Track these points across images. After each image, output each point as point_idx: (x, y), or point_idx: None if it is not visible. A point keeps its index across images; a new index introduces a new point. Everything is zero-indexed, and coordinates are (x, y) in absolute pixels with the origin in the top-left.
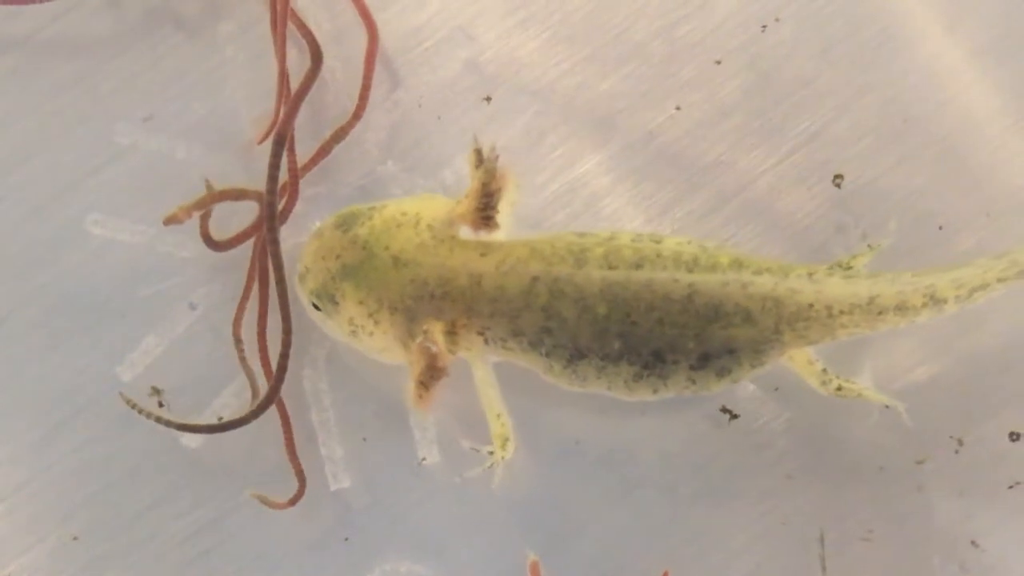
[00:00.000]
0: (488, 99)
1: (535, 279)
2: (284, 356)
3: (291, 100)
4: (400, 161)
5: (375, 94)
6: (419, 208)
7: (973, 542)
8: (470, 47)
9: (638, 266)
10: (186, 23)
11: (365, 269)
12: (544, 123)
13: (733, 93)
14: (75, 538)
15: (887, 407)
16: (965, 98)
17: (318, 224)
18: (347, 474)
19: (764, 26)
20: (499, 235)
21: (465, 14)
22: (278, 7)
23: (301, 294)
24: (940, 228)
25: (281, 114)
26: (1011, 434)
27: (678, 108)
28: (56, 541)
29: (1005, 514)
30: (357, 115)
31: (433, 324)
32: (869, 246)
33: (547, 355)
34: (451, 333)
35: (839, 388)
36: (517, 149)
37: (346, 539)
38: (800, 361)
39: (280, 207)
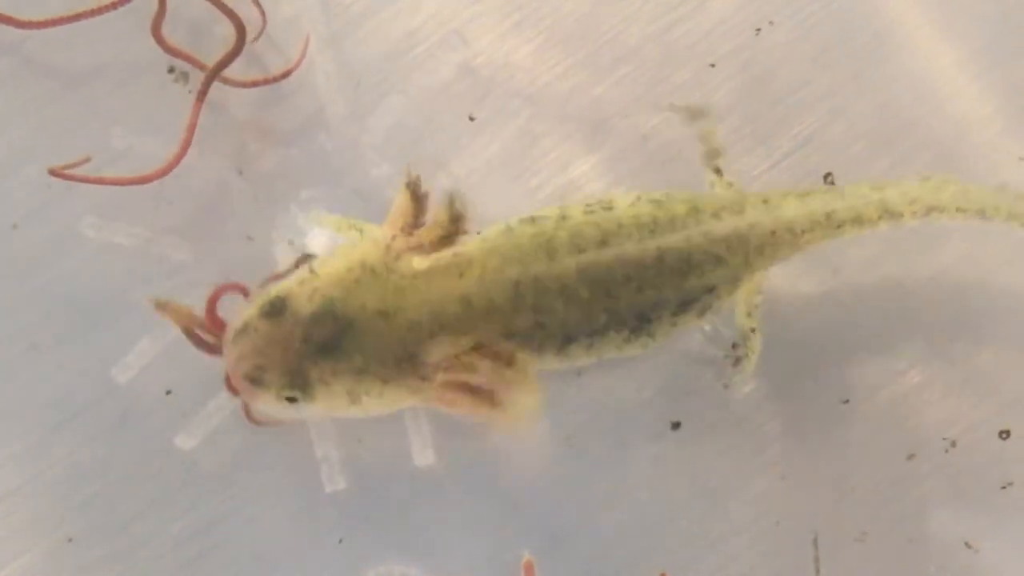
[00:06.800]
0: (483, 102)
1: (516, 283)
2: None
3: (209, 71)
4: (395, 164)
5: (371, 95)
6: (360, 258)
7: (967, 543)
8: (464, 51)
9: (604, 243)
10: (186, 24)
11: (352, 336)
12: (538, 127)
13: (727, 97)
14: (70, 540)
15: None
16: (959, 102)
17: (232, 326)
18: (343, 476)
19: (758, 29)
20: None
21: (459, 18)
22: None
23: (261, 400)
24: (936, 231)
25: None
26: (1001, 432)
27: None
28: (52, 544)
29: (999, 515)
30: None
31: (443, 347)
32: None
33: (539, 348)
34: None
35: (752, 329)
36: (511, 152)
37: (341, 541)
38: (749, 288)
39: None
